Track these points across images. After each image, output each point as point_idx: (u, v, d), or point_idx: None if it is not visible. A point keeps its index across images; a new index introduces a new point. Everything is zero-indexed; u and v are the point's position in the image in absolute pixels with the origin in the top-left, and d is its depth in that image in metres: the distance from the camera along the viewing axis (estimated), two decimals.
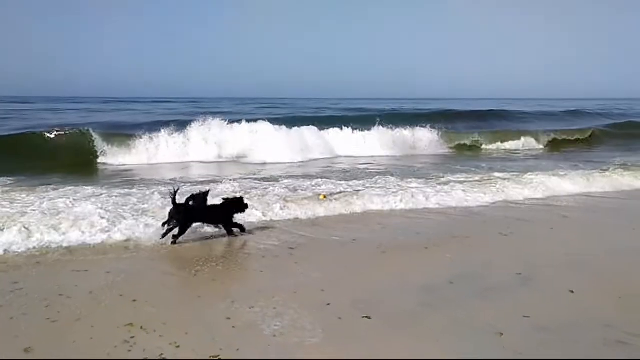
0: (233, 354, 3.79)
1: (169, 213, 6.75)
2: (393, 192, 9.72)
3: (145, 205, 8.30)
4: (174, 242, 6.60)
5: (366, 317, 4.42)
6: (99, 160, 15.83)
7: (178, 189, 6.86)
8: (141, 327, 4.26)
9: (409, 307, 4.67)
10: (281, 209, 8.35)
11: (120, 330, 4.23)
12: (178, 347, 3.87)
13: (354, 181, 11.39)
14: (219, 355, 3.76)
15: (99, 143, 16.29)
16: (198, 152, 16.87)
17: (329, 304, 4.72)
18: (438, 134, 21.13)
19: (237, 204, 7.18)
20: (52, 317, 4.51)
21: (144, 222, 7.24)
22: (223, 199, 7.25)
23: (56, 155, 15.49)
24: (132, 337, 4.10)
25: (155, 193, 9.30)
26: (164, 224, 6.72)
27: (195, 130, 17.51)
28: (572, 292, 5.01)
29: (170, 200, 6.67)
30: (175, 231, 6.64)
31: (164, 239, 6.63)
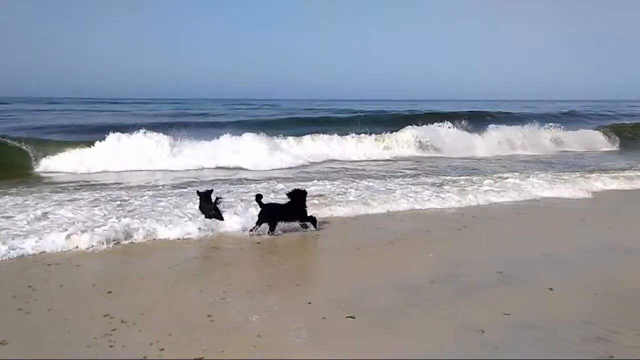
0: (218, 355, 3.77)
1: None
2: (367, 195, 9.87)
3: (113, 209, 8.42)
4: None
5: (350, 316, 4.44)
6: (57, 167, 14.69)
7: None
8: (122, 321, 4.33)
9: (392, 306, 4.70)
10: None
11: (97, 322, 4.31)
12: (162, 349, 3.84)
13: (326, 182, 11.56)
14: (203, 357, 3.74)
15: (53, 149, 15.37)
16: (163, 160, 15.40)
17: (310, 303, 4.74)
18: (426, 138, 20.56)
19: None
20: (24, 308, 4.60)
21: (117, 223, 7.23)
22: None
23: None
24: (114, 330, 4.16)
25: (132, 198, 9.44)
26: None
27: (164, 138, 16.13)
28: (551, 289, 5.11)
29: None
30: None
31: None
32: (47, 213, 7.96)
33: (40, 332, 4.17)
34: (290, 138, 18.70)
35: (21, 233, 6.84)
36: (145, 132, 16.15)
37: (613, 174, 13.08)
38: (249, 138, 17.02)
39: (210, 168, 15.38)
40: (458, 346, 3.94)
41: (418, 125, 21.31)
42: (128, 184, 11.93)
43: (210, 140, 16.79)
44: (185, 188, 10.82)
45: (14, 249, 6.20)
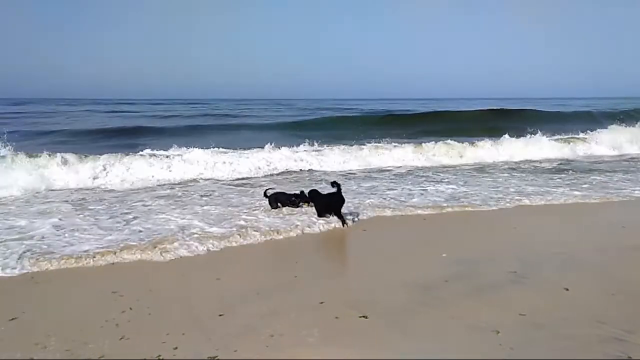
0: (231, 354, 3.78)
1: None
2: None
3: None
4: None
5: (363, 316, 4.42)
6: None
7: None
8: (130, 308, 4.57)
9: (405, 306, 4.68)
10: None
11: (106, 298, 4.74)
12: (176, 348, 3.86)
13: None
14: (216, 356, 3.75)
15: None
16: None
17: (322, 302, 4.73)
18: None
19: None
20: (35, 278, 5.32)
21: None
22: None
23: None
24: (123, 312, 4.44)
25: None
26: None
27: None
28: (567, 289, 5.04)
29: None
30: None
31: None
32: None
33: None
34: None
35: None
36: None
37: None
38: None
39: None
40: (473, 346, 3.91)
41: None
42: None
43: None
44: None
45: None
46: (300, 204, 8.47)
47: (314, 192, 8.23)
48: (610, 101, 60.77)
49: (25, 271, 5.63)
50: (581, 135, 21.27)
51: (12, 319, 4.41)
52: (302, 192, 8.63)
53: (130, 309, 4.58)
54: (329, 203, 7.85)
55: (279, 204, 8.50)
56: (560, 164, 15.94)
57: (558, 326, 4.21)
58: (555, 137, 19.94)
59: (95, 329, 4.21)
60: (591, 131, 21.44)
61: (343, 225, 7.56)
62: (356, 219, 8.07)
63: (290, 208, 8.46)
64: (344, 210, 7.82)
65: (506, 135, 18.82)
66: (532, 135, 19.22)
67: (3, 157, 12.03)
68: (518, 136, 19.12)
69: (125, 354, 3.79)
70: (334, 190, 7.74)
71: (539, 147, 18.48)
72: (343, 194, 7.77)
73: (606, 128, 21.61)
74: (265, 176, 13.19)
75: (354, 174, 13.64)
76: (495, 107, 36.50)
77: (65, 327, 4.26)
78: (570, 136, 20.80)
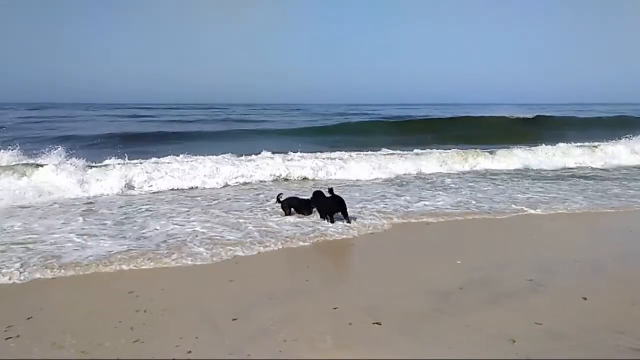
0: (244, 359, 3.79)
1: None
2: None
3: None
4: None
5: (377, 322, 4.40)
6: None
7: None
8: (145, 311, 4.64)
9: (420, 313, 4.64)
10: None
11: (120, 301, 4.85)
12: (189, 352, 3.87)
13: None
14: None
15: None
16: None
17: (336, 308, 4.72)
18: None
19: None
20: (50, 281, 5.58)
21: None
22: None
23: None
24: (137, 313, 4.55)
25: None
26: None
27: None
28: (585, 298, 4.97)
29: None
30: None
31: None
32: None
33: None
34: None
35: None
36: None
37: None
38: None
39: None
40: (488, 355, 3.86)
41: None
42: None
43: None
44: None
45: None
46: (313, 210, 8.50)
47: (317, 193, 8.45)
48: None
49: (40, 275, 5.68)
50: (606, 142, 20.14)
51: (29, 318, 4.50)
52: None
53: (145, 311, 4.63)
54: (329, 205, 8.17)
55: (291, 209, 8.54)
56: (581, 170, 15.81)
57: (575, 336, 4.15)
58: (579, 144, 19.41)
59: (110, 330, 4.25)
60: (622, 138, 20.42)
61: (348, 223, 8.04)
62: (369, 226, 8.05)
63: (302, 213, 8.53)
64: (351, 214, 8.30)
65: (521, 146, 18.59)
66: (552, 143, 18.95)
67: (15, 165, 12.12)
68: (537, 143, 18.89)
69: (139, 357, 3.81)
70: (332, 194, 8.18)
71: (558, 154, 18.20)
72: (342, 197, 8.24)
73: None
74: (279, 181, 13.23)
75: (369, 180, 13.61)
76: (524, 115, 35.82)
77: (81, 328, 4.31)
78: (594, 143, 19.84)
